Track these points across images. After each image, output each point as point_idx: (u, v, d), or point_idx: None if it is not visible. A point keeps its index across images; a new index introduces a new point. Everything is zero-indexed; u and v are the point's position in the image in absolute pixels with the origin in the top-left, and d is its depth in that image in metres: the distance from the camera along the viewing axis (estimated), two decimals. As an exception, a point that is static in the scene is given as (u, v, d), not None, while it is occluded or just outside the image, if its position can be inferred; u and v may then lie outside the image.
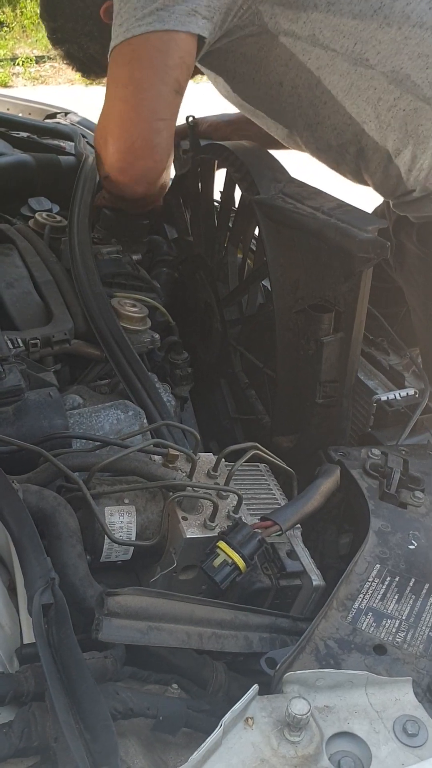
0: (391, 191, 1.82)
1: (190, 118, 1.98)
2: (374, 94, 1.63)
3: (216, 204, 2.00)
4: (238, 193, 1.82)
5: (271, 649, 1.01)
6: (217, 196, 2.00)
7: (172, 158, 1.68)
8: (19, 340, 1.48)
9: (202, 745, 0.78)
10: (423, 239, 1.91)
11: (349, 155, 1.77)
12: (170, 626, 0.96)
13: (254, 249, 1.92)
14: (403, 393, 1.57)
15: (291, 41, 1.62)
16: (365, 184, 1.88)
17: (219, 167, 1.93)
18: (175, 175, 2.15)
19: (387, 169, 1.75)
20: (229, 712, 0.82)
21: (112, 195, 1.75)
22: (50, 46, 2.07)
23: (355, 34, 1.58)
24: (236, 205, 1.86)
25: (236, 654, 1.05)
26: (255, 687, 0.86)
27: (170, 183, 1.90)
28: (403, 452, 1.34)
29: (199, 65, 1.75)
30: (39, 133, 2.57)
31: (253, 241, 1.91)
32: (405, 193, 1.80)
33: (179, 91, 1.57)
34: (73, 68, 2.03)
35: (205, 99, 2.65)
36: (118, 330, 1.58)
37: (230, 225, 1.90)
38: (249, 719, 0.85)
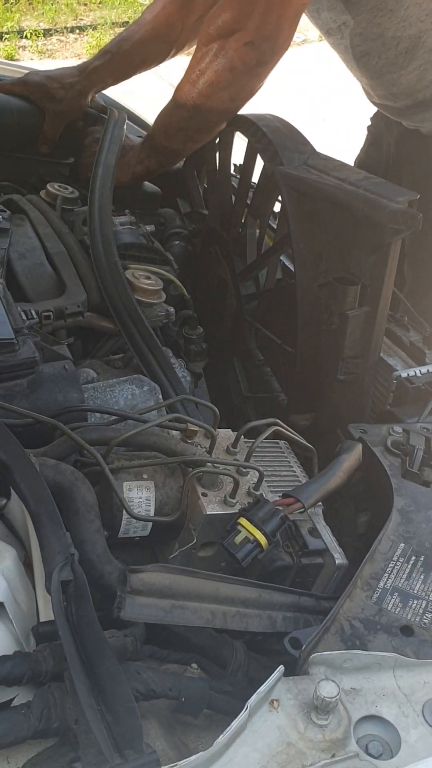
0: (408, 93, 1.89)
1: None
2: None
3: (233, 178, 1.96)
4: (257, 167, 1.78)
5: (294, 628, 0.98)
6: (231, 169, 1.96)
7: None
8: (33, 312, 1.44)
9: (228, 728, 0.76)
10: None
11: (393, 50, 1.80)
12: (194, 605, 0.93)
13: (272, 225, 1.88)
14: (424, 369, 1.53)
15: None
16: (371, 82, 1.97)
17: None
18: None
19: (425, 71, 1.79)
20: (255, 694, 0.80)
21: (241, 62, 1.64)
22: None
23: None
24: (255, 178, 1.82)
25: (255, 633, 1.03)
26: (280, 668, 0.84)
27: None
28: (426, 430, 1.31)
29: None
30: None
31: (272, 216, 1.87)
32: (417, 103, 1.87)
33: None
34: None
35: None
36: (132, 303, 1.55)
37: (248, 199, 1.86)
38: (274, 701, 0.82)
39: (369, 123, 2.40)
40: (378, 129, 2.34)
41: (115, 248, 1.64)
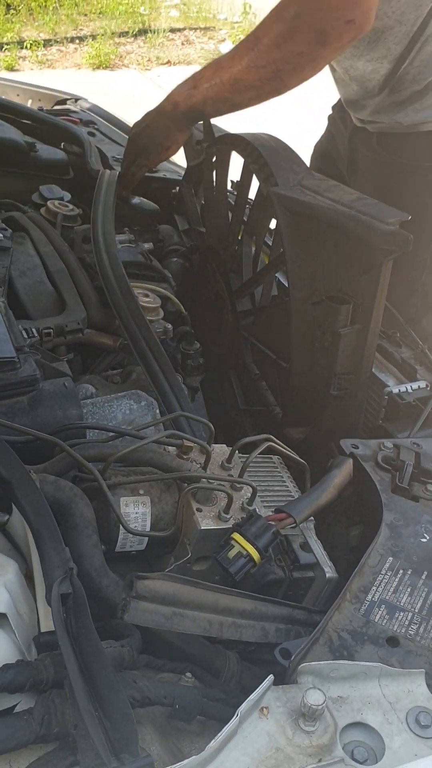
0: (361, 81, 1.99)
1: None
2: None
3: (230, 194, 2.00)
4: (252, 185, 1.81)
5: (286, 639, 1.02)
6: (228, 187, 2.00)
7: None
8: (34, 330, 1.48)
9: (219, 734, 0.79)
10: (383, 144, 2.10)
11: (393, 35, 1.86)
12: (194, 613, 0.97)
13: (268, 241, 1.92)
14: (415, 386, 1.57)
15: None
16: (348, 64, 2.00)
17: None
18: (188, 166, 2.15)
19: (380, 65, 1.88)
20: (245, 701, 0.83)
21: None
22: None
23: None
24: (251, 197, 1.86)
25: (248, 644, 1.07)
26: (270, 677, 0.87)
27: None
28: (416, 445, 1.35)
29: None
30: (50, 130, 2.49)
31: (268, 233, 1.91)
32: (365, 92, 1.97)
33: None
34: None
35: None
36: (141, 316, 1.58)
37: (245, 217, 1.90)
38: (264, 709, 0.86)
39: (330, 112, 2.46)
40: (335, 120, 2.40)
41: (120, 262, 1.67)
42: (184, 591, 0.99)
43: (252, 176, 1.80)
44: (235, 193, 1.94)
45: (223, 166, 1.94)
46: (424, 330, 1.95)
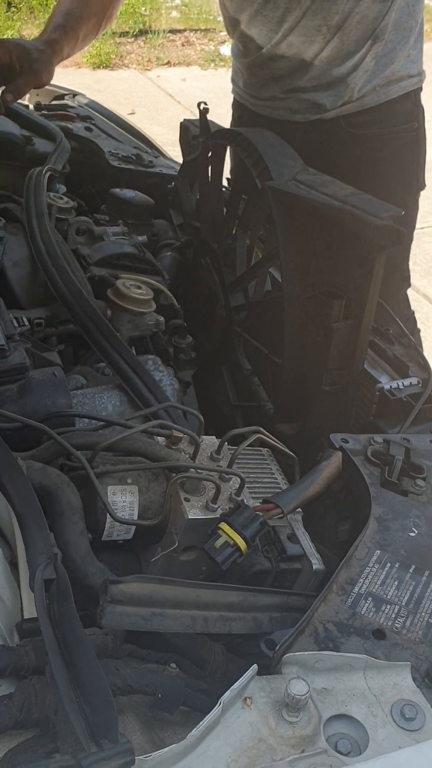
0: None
1: (202, 105, 1.98)
2: None
3: (225, 189, 2.00)
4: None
5: (282, 628, 1.01)
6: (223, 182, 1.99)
7: None
8: (25, 319, 1.48)
9: (201, 723, 0.78)
10: (352, 123, 2.23)
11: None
12: (174, 612, 0.96)
13: (263, 236, 1.91)
14: (407, 382, 1.57)
15: None
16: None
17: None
18: (184, 161, 2.14)
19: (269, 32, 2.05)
20: (228, 691, 0.83)
21: None
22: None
23: None
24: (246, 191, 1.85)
25: (234, 636, 1.06)
26: (254, 667, 0.87)
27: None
28: (406, 441, 1.34)
29: None
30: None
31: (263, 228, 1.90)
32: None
33: None
34: None
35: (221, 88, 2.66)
36: (91, 307, 1.56)
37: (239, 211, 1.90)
38: (247, 699, 0.85)
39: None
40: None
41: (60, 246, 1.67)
42: (162, 590, 0.97)
43: (247, 171, 1.79)
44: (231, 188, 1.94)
45: (219, 161, 1.94)
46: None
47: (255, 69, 2.24)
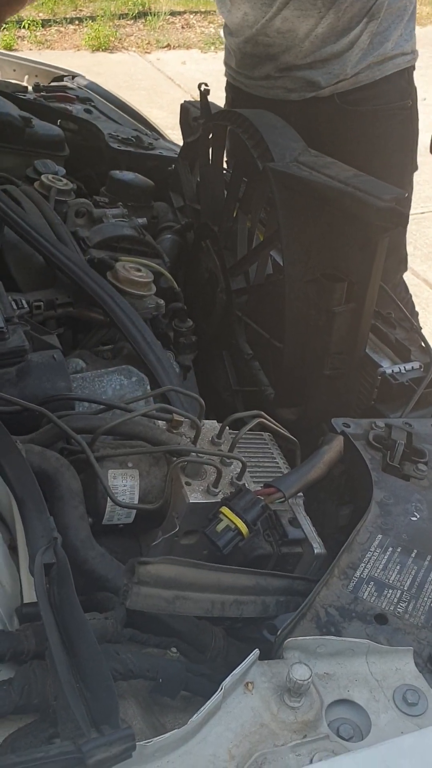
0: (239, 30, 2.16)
1: (203, 86, 1.95)
2: None
3: (225, 171, 1.98)
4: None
5: (287, 612, 1.01)
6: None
7: None
8: (24, 301, 1.46)
9: (202, 708, 0.78)
10: (347, 100, 2.24)
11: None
12: (196, 595, 0.95)
13: (264, 219, 1.90)
14: (408, 366, 1.56)
15: None
16: None
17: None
18: (184, 142, 2.12)
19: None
20: (230, 675, 0.82)
21: None
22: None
23: None
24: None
25: (235, 620, 1.05)
26: (255, 652, 0.86)
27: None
28: (408, 425, 1.33)
29: None
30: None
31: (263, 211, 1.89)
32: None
33: None
34: None
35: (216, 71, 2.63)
36: (110, 287, 1.56)
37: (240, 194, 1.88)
38: (249, 684, 0.84)
39: None
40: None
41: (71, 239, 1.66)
42: (187, 573, 0.96)
43: (248, 152, 1.78)
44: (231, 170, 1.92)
45: (219, 143, 1.92)
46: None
47: (249, 47, 2.23)
